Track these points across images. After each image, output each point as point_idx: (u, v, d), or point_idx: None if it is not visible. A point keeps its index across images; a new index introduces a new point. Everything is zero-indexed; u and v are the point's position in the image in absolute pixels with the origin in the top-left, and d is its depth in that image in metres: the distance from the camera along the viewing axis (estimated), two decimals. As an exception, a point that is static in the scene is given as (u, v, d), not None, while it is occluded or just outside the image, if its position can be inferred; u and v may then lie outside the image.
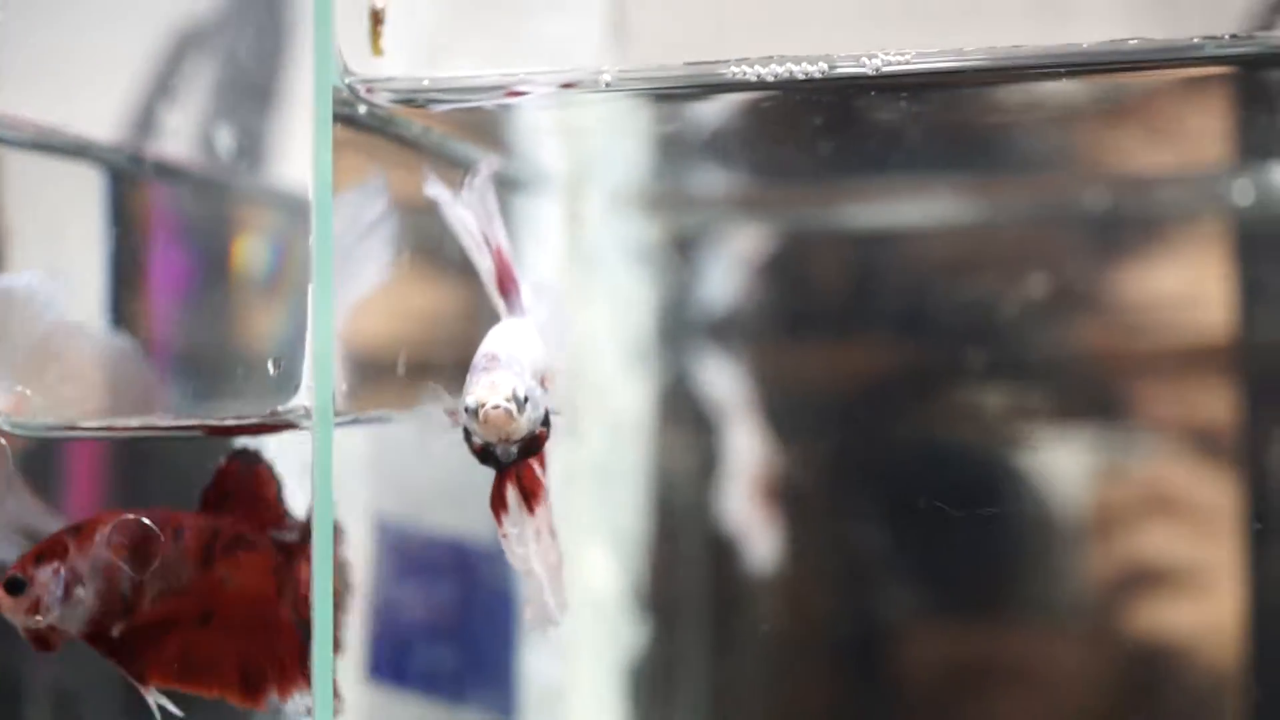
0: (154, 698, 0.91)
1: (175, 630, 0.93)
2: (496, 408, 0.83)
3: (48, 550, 0.90)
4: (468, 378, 0.85)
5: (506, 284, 0.91)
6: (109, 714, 1.13)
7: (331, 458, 0.92)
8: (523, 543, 0.88)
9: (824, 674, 1.49)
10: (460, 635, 1.28)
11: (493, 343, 0.87)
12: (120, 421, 1.01)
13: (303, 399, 0.93)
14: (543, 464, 0.89)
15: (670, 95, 0.99)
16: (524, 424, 0.85)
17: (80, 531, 0.91)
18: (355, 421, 0.99)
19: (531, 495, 0.87)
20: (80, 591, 0.90)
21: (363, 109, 0.97)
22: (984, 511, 1.36)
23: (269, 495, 0.96)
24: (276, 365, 0.95)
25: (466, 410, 0.84)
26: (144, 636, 0.92)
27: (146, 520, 0.92)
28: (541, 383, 0.87)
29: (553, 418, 0.87)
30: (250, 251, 1.17)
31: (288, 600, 0.94)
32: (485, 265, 0.91)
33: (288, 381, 0.94)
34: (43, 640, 0.90)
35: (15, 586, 0.89)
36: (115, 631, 0.91)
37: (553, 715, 1.35)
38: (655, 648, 1.44)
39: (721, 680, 1.46)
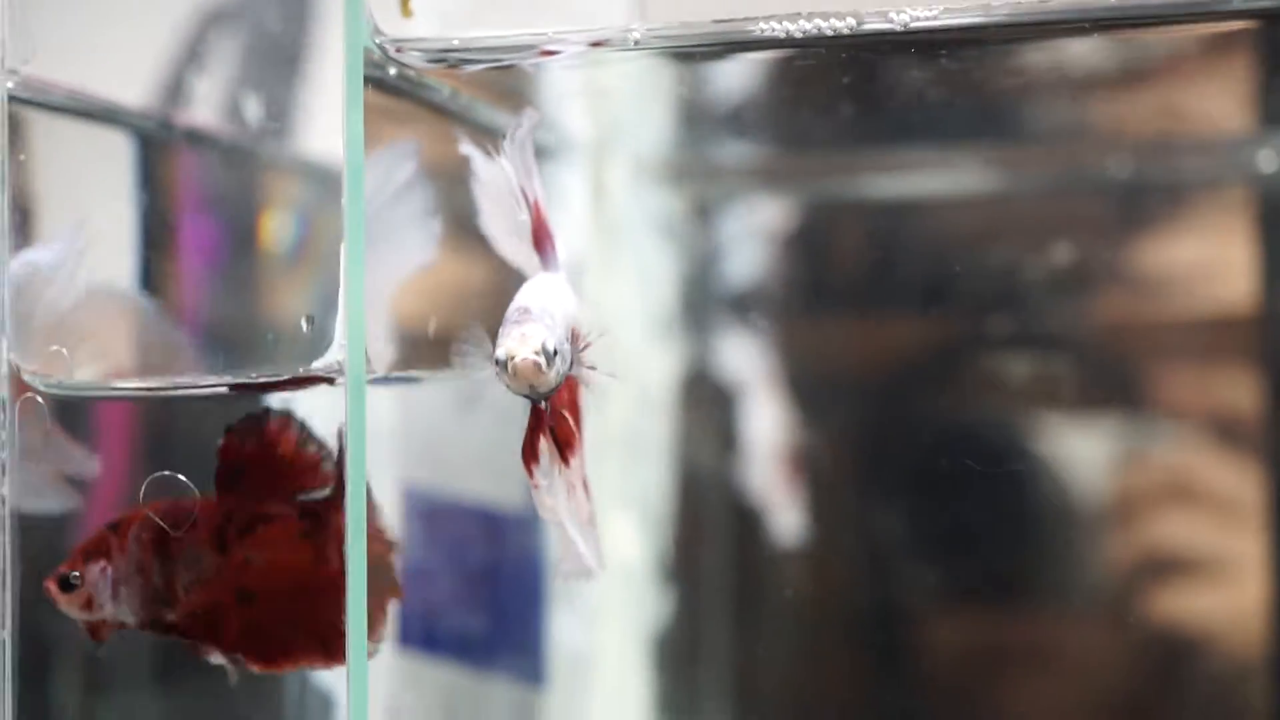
0: (220, 659, 0.94)
1: (227, 614, 0.95)
2: (526, 360, 0.84)
3: (94, 548, 0.94)
4: (500, 330, 0.86)
5: (542, 238, 0.92)
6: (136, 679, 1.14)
7: (365, 417, 0.92)
8: (554, 494, 0.88)
9: (848, 644, 1.49)
10: (489, 603, 1.29)
11: (525, 296, 0.88)
12: (152, 381, 1.02)
13: (335, 357, 0.93)
14: (578, 416, 0.89)
15: (698, 54, 0.99)
16: (552, 377, 0.85)
17: (119, 528, 0.94)
18: (387, 380, 0.99)
19: (566, 446, 0.88)
20: (124, 589, 0.94)
21: (393, 70, 0.97)
22: (1002, 473, 1.36)
23: (285, 453, 0.96)
24: (309, 322, 0.96)
25: (497, 362, 0.85)
26: (199, 623, 0.95)
27: (162, 513, 0.94)
28: (573, 337, 0.88)
29: (585, 371, 0.88)
30: (279, 219, 1.17)
31: (332, 558, 0.95)
32: (520, 219, 0.92)
33: (320, 341, 0.95)
34: (94, 630, 0.95)
35: (67, 584, 0.93)
36: (170, 619, 0.94)
37: (580, 683, 1.36)
38: (681, 616, 1.44)
39: (746, 649, 1.46)
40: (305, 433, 0.95)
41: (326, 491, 0.95)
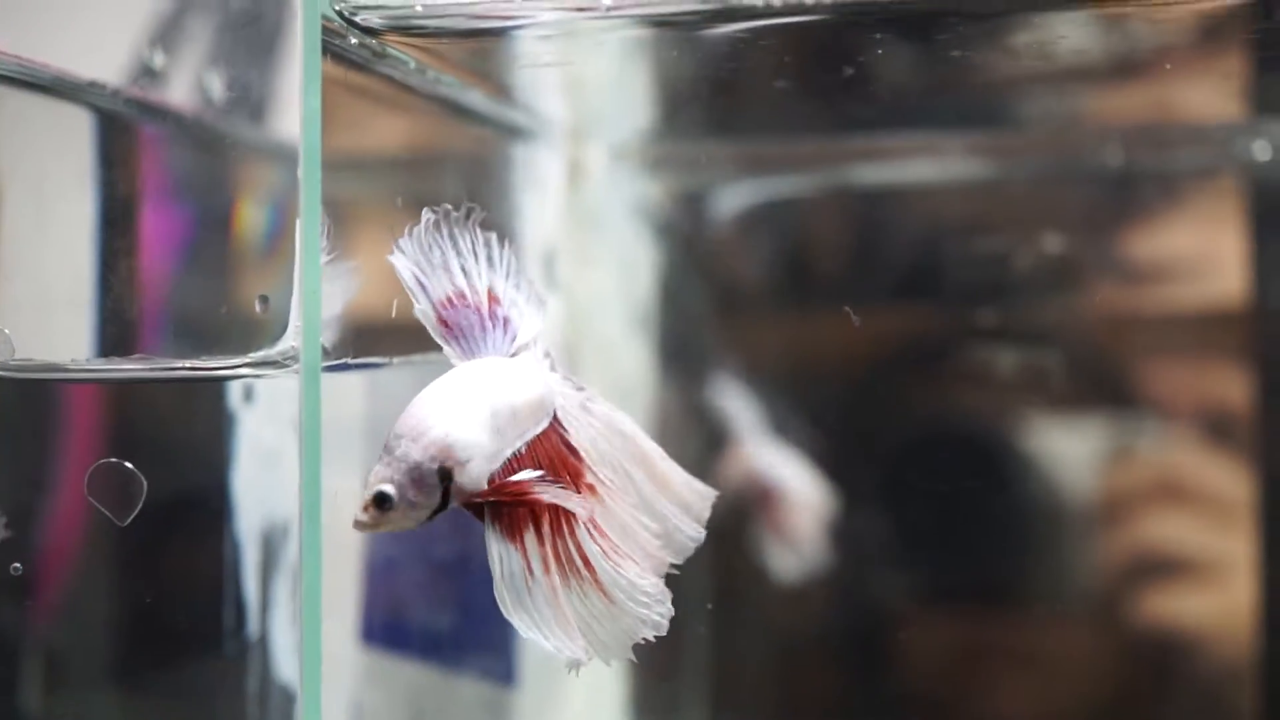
0: None
1: None
2: (359, 522, 0.81)
3: None
4: None
5: (457, 325, 0.87)
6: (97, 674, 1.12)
7: (319, 404, 0.89)
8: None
9: (829, 646, 1.47)
10: (458, 598, 1.26)
11: (399, 421, 0.83)
12: (106, 365, 0.99)
13: (290, 341, 0.91)
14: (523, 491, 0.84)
15: (673, 24, 0.96)
16: (397, 518, 0.81)
17: None
18: (345, 366, 0.96)
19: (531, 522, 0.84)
20: None
21: (354, 40, 0.94)
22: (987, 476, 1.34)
23: None
24: (264, 303, 0.93)
25: None
26: None
27: None
28: (445, 456, 0.82)
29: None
30: (249, 205, 1.14)
31: None
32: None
33: (276, 324, 0.92)
34: None
35: None
36: None
37: (552, 684, 1.33)
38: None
39: (724, 648, 1.44)
40: None
41: None
